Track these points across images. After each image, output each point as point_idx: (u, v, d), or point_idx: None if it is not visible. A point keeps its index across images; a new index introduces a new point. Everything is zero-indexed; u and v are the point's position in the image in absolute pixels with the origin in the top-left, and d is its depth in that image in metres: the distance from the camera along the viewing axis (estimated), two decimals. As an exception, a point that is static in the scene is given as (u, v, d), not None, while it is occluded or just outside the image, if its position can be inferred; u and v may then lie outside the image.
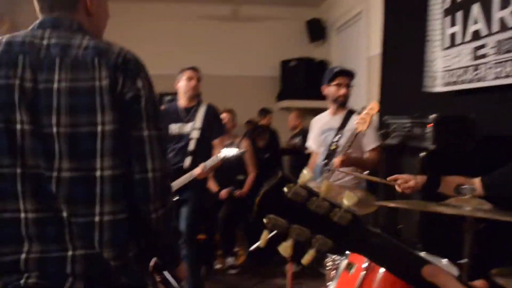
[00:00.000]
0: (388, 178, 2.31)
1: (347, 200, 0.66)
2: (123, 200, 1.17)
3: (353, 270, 1.83)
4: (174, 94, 4.41)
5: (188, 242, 3.28)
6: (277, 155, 5.92)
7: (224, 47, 7.40)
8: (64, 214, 1.12)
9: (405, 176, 2.25)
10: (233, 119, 4.69)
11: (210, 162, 3.25)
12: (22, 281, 1.11)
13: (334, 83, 3.14)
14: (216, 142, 3.53)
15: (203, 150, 3.41)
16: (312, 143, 3.43)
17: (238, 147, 4.49)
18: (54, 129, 1.11)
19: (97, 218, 1.12)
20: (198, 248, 3.54)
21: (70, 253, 1.12)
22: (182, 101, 3.54)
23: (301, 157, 5.25)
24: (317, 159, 3.34)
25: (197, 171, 3.22)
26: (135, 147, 1.19)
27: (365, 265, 1.77)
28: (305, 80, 6.81)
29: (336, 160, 2.87)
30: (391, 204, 2.14)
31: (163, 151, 1.24)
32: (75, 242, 1.13)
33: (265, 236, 0.66)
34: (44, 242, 1.12)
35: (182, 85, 3.49)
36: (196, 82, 3.48)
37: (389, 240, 0.70)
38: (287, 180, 0.66)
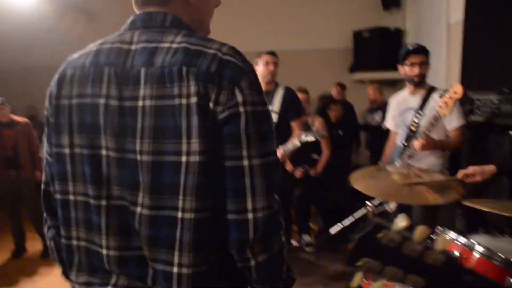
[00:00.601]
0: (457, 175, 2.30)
1: (437, 241, 0.68)
2: (207, 248, 0.95)
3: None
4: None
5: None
6: (353, 131, 5.81)
7: (293, 20, 7.30)
8: (145, 253, 0.97)
9: (471, 170, 2.26)
10: (308, 98, 4.66)
11: (290, 146, 3.32)
12: None
13: (408, 62, 3.00)
14: (294, 124, 3.60)
15: (282, 134, 3.46)
16: (390, 122, 3.35)
17: (312, 125, 4.51)
18: (138, 157, 0.94)
19: (175, 269, 0.94)
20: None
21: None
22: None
23: (379, 134, 5.13)
24: (396, 139, 3.27)
25: (281, 151, 3.34)
26: (231, 180, 0.93)
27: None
28: (379, 50, 6.55)
29: (417, 144, 2.80)
30: (476, 206, 2.06)
31: (269, 184, 0.95)
32: (157, 286, 0.98)
33: (359, 278, 0.70)
34: (129, 278, 1.01)
35: (260, 70, 3.52)
36: (273, 67, 3.51)
37: (481, 277, 0.71)
38: (380, 227, 0.68)
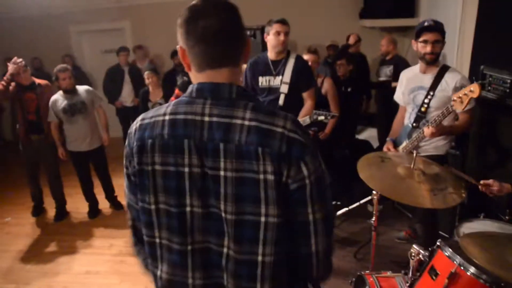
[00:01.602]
0: (481, 182, 2.34)
1: None
2: (282, 279, 1.24)
3: (437, 278, 1.90)
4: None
5: None
6: (363, 87, 5.72)
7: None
8: (226, 283, 1.23)
9: (490, 181, 2.32)
10: (317, 59, 4.54)
11: (301, 123, 3.34)
12: None
13: (421, 39, 2.87)
14: (305, 94, 3.57)
15: (293, 104, 3.46)
16: (400, 98, 3.30)
17: (320, 86, 4.45)
18: (223, 214, 1.17)
19: None
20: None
21: None
22: (270, 54, 3.53)
23: (390, 91, 5.08)
24: (405, 115, 3.25)
25: None
26: (299, 228, 1.20)
27: (449, 275, 1.82)
28: (392, -6, 6.23)
29: (427, 131, 2.78)
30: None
31: (328, 229, 1.23)
32: None
33: None
34: None
35: (271, 39, 3.43)
36: (284, 37, 3.41)
37: None
38: None
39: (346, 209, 2.97)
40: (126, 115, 6.62)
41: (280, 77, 3.47)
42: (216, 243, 1.21)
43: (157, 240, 1.27)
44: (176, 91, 4.61)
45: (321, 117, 3.31)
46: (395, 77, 4.96)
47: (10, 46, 7.87)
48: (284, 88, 3.47)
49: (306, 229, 1.19)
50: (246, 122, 1.12)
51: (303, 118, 3.41)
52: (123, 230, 4.57)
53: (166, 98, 5.13)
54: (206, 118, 1.15)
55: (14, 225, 4.89)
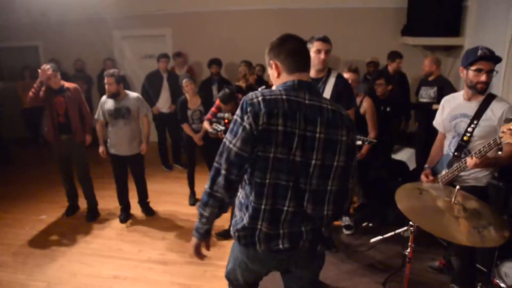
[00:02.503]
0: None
1: None
2: (336, 202, 1.92)
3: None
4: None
5: None
6: (403, 107, 5.59)
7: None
8: (308, 210, 1.89)
9: None
10: (358, 78, 4.44)
11: None
12: (280, 245, 1.90)
13: (474, 67, 2.75)
14: None
15: None
16: (439, 124, 3.19)
17: (359, 106, 4.37)
18: (313, 161, 1.84)
19: (325, 212, 1.91)
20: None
21: (304, 228, 1.90)
22: (311, 72, 3.42)
23: (433, 114, 4.93)
24: (444, 143, 3.14)
25: None
26: (347, 172, 1.93)
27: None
28: (436, 12, 6.09)
29: (470, 161, 2.67)
30: None
31: (355, 170, 1.98)
32: (308, 224, 1.90)
33: None
34: (292, 224, 1.89)
35: (311, 57, 3.33)
36: (325, 55, 3.34)
37: None
38: None
39: (381, 237, 2.89)
40: (162, 121, 6.71)
41: None
42: (303, 182, 1.85)
43: (267, 181, 1.83)
44: (217, 101, 4.65)
45: (358, 142, 3.24)
46: (439, 99, 4.82)
47: (56, 48, 8.17)
48: None
49: (350, 171, 1.94)
50: (329, 107, 1.88)
51: None
52: (153, 236, 4.62)
53: (205, 105, 5.16)
54: (307, 101, 1.84)
55: (48, 223, 5.01)
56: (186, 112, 5.18)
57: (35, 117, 8.52)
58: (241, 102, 1.85)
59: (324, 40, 3.37)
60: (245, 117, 1.78)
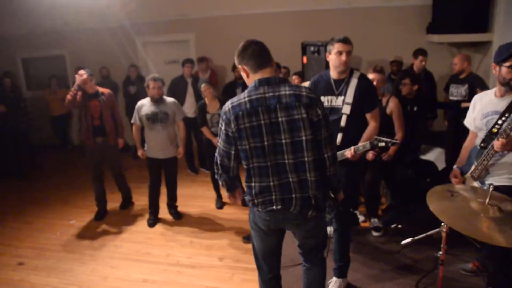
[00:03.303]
0: None
1: None
2: (318, 169, 2.34)
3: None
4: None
5: (338, 219, 3.40)
6: (429, 106, 5.48)
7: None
8: (291, 179, 2.32)
9: None
10: (384, 78, 4.34)
11: (361, 148, 3.22)
12: (274, 206, 2.37)
13: (507, 64, 2.66)
14: (369, 115, 3.38)
15: (355, 126, 3.32)
16: (470, 123, 3.10)
17: (386, 106, 4.31)
18: (283, 141, 2.26)
19: (308, 178, 2.32)
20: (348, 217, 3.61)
21: (294, 195, 2.34)
22: (333, 73, 3.38)
23: (462, 112, 4.81)
24: (475, 140, 3.06)
25: (348, 153, 3.25)
26: (319, 142, 2.31)
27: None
28: (462, 8, 5.94)
29: (497, 143, 2.61)
30: None
31: (331, 142, 2.36)
32: (297, 191, 2.34)
33: None
34: (282, 192, 2.35)
35: (332, 58, 3.29)
36: (346, 57, 3.24)
37: None
38: None
39: (412, 239, 2.83)
40: (188, 126, 6.75)
41: (342, 97, 3.32)
42: (281, 158, 2.30)
43: (251, 165, 2.34)
44: None
45: (382, 144, 3.16)
46: (471, 97, 4.71)
47: (81, 56, 8.34)
48: (346, 109, 3.30)
49: (322, 142, 2.32)
50: (287, 92, 2.25)
51: (364, 143, 3.26)
52: (181, 240, 4.65)
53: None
54: (266, 94, 2.25)
55: (78, 228, 5.11)
56: (205, 116, 5.22)
57: (63, 124, 8.74)
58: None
59: (345, 41, 3.27)
60: (223, 124, 2.33)
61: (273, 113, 2.23)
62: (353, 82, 3.31)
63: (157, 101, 4.82)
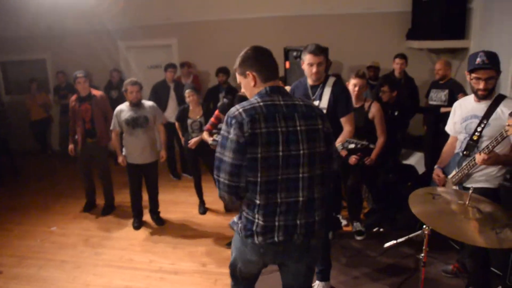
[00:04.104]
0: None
1: None
2: (322, 185, 2.16)
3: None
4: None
5: None
6: (411, 111, 5.57)
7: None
8: (301, 198, 2.07)
9: None
10: (365, 83, 4.38)
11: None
12: (275, 238, 2.06)
13: (473, 75, 2.79)
14: (343, 120, 3.44)
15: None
16: (451, 127, 3.20)
17: (368, 111, 4.36)
18: (301, 152, 2.05)
19: (315, 196, 2.12)
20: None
21: (298, 222, 2.10)
22: (309, 80, 3.47)
23: (441, 117, 4.88)
24: (455, 145, 3.14)
25: None
26: (331, 156, 2.21)
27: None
28: (441, 15, 6.04)
29: (479, 158, 2.71)
30: None
31: (338, 155, 2.43)
32: (302, 215, 2.09)
33: None
34: (286, 216, 2.07)
35: (305, 68, 3.39)
36: (317, 68, 3.30)
37: None
38: None
39: (395, 241, 2.87)
40: (169, 131, 6.72)
41: (318, 102, 3.38)
42: (295, 172, 2.05)
43: (258, 179, 2.00)
44: (216, 112, 4.66)
45: (351, 145, 3.17)
46: (451, 102, 4.81)
47: (63, 60, 8.25)
48: None
49: (333, 155, 2.23)
50: (301, 102, 2.14)
51: (337, 145, 3.25)
52: (164, 246, 4.63)
53: (206, 115, 5.16)
54: (281, 102, 2.08)
55: (59, 235, 5.03)
56: (186, 121, 5.21)
57: (43, 129, 8.61)
58: (225, 118, 2.05)
59: (315, 53, 3.30)
60: (231, 130, 1.99)
61: (291, 121, 2.03)
62: (328, 88, 3.40)
63: (136, 105, 4.78)
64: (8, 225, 5.35)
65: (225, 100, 4.73)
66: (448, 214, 2.33)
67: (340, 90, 3.42)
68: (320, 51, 3.33)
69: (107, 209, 5.58)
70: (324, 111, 3.32)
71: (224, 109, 4.52)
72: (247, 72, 2.14)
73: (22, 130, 8.52)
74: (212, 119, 4.70)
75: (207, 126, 4.72)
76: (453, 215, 2.31)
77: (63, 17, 7.65)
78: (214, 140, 4.40)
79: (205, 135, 4.72)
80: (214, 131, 4.54)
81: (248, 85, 2.17)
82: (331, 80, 3.44)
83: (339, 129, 3.45)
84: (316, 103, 3.38)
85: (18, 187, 6.89)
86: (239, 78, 2.22)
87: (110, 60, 8.04)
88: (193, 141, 5.05)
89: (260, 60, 2.14)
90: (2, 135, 7.27)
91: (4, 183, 7.03)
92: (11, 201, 6.20)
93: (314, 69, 3.33)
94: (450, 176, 3.11)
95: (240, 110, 2.02)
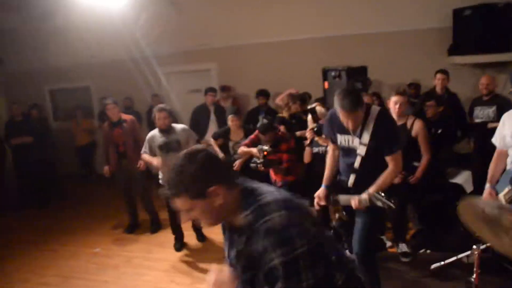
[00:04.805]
0: None
1: None
2: None
3: None
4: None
5: (361, 261, 2.99)
6: (455, 127, 5.38)
7: (382, -2, 6.86)
8: None
9: None
10: (407, 100, 4.22)
11: (363, 202, 2.98)
12: None
13: None
14: (388, 158, 3.05)
15: (370, 167, 3.06)
16: (498, 140, 3.04)
17: (410, 129, 4.22)
18: None
19: None
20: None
21: None
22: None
23: (489, 133, 4.69)
24: (505, 160, 2.98)
25: (352, 203, 3.02)
26: None
27: None
28: (483, 29, 5.89)
29: None
30: None
31: None
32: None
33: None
34: None
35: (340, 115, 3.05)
36: (352, 123, 2.97)
37: None
38: None
39: (442, 263, 2.73)
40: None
41: (358, 138, 3.06)
42: None
43: None
44: (256, 132, 4.67)
45: (378, 203, 2.94)
46: (499, 119, 4.61)
47: (106, 87, 8.56)
48: (362, 150, 3.03)
49: None
50: None
51: (365, 198, 2.97)
52: (206, 266, 4.58)
53: (247, 137, 5.17)
54: None
55: (103, 256, 5.11)
56: (228, 143, 5.25)
57: (88, 154, 8.89)
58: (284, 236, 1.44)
59: (349, 110, 2.92)
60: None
61: None
62: (371, 122, 3.04)
63: (166, 131, 4.81)
64: (53, 246, 5.51)
65: (264, 120, 4.74)
66: (501, 229, 2.18)
67: (385, 123, 3.05)
68: (355, 106, 2.90)
69: (154, 226, 5.71)
70: (364, 148, 3.05)
71: (263, 129, 4.53)
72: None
73: (68, 155, 8.84)
74: (251, 136, 4.75)
75: (246, 141, 4.78)
76: (505, 231, 2.16)
77: (104, 46, 7.98)
78: (254, 162, 4.52)
79: (242, 149, 4.75)
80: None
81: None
82: (375, 113, 3.04)
83: (383, 166, 3.09)
84: (357, 139, 3.09)
85: (64, 209, 7.10)
86: None
87: (150, 86, 8.24)
88: (237, 163, 5.05)
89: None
90: (50, 160, 7.55)
91: (51, 205, 7.26)
92: (57, 223, 6.39)
93: (349, 124, 2.99)
94: (502, 194, 2.94)
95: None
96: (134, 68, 8.14)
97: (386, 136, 3.03)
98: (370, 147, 3.03)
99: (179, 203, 1.53)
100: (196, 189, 1.49)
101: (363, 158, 3.07)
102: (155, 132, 4.90)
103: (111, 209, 6.63)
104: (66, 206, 7.27)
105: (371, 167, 3.05)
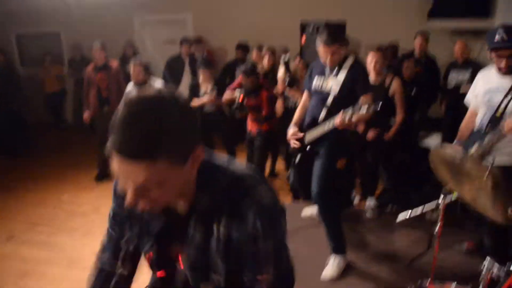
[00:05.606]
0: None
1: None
2: None
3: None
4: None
5: (318, 200, 3.29)
6: (431, 90, 5.42)
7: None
8: None
9: None
10: (382, 60, 4.24)
11: (349, 112, 2.99)
12: None
13: (493, 54, 2.67)
14: (363, 98, 3.15)
15: (341, 106, 3.12)
16: (471, 100, 3.07)
17: (388, 87, 4.23)
18: None
19: None
20: (336, 194, 3.57)
21: None
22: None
23: (462, 97, 4.77)
24: (474, 119, 3.01)
25: (337, 120, 3.05)
26: None
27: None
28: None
29: (507, 124, 2.55)
30: None
31: None
32: None
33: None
34: None
35: (319, 52, 3.24)
36: (330, 56, 3.16)
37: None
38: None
39: (407, 214, 2.79)
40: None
41: (334, 79, 3.24)
42: None
43: None
44: (240, 77, 4.70)
45: (363, 111, 2.93)
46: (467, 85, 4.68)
47: (78, 34, 8.22)
48: (336, 88, 3.22)
49: None
50: None
51: (347, 109, 3.03)
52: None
53: (219, 88, 5.08)
54: None
55: (71, 203, 5.05)
56: (197, 94, 5.14)
57: (57, 102, 8.63)
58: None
59: (328, 43, 3.13)
60: None
61: None
62: (348, 64, 3.25)
63: (142, 85, 4.68)
64: (21, 193, 5.40)
65: (249, 65, 4.74)
66: (464, 176, 2.22)
67: (358, 71, 3.25)
68: (332, 40, 3.11)
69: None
70: (338, 87, 3.22)
71: (248, 71, 4.57)
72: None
73: (36, 103, 8.55)
74: (236, 81, 4.78)
75: (233, 85, 4.78)
76: (472, 183, 2.21)
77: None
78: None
79: (226, 95, 4.73)
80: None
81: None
82: (350, 60, 3.27)
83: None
84: (331, 81, 3.26)
85: (31, 158, 6.92)
86: None
87: (124, 34, 7.96)
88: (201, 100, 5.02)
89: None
90: (16, 107, 7.28)
91: (18, 154, 7.06)
92: (24, 171, 6.25)
93: (327, 59, 3.19)
94: (471, 152, 2.98)
95: None
96: (108, 16, 7.83)
97: (361, 78, 3.22)
98: (344, 85, 3.19)
99: (145, 172, 0.95)
100: (182, 149, 0.99)
101: (335, 97, 3.22)
102: (130, 87, 4.87)
103: (80, 158, 6.53)
104: (34, 155, 7.08)
105: (342, 107, 3.09)
